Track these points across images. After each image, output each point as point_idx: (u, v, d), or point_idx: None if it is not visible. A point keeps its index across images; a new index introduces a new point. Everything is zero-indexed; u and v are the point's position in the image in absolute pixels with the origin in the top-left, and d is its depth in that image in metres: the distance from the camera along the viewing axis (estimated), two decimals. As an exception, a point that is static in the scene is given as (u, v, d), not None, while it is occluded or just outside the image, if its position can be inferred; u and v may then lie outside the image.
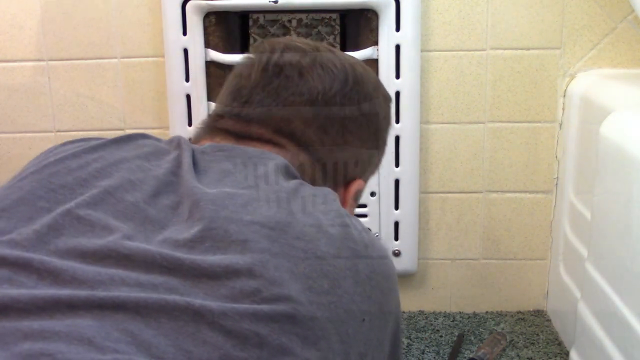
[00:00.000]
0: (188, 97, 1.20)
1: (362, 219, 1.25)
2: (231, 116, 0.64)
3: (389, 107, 0.71)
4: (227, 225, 0.50)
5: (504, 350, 1.21)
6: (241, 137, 0.63)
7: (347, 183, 0.67)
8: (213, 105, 1.21)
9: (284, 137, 0.63)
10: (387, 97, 0.71)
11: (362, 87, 0.66)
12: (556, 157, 1.26)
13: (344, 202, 0.67)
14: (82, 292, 0.44)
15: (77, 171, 0.56)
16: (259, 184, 0.56)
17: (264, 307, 0.46)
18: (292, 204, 0.55)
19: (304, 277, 0.50)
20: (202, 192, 0.54)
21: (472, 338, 1.26)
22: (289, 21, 1.24)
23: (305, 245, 0.51)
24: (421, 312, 1.36)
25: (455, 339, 1.25)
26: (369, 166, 0.70)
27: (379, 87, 0.69)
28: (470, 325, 1.30)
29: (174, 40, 1.18)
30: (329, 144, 0.64)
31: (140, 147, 0.60)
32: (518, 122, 1.25)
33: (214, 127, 0.65)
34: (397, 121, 1.20)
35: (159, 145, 0.61)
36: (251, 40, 1.25)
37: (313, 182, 0.63)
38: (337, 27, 1.24)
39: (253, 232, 0.50)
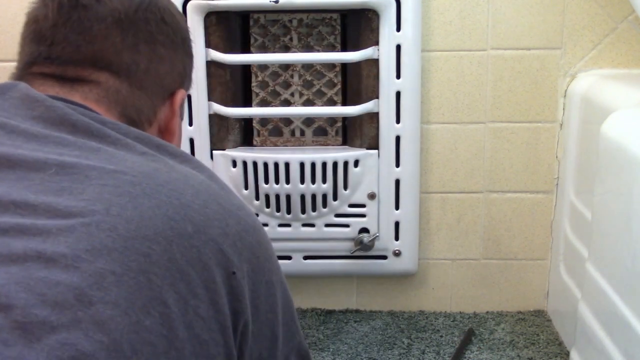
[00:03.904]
0: (189, 96, 1.20)
1: (361, 219, 1.25)
2: (42, 60, 0.62)
3: (184, 16, 0.70)
4: (89, 171, 0.50)
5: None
6: (60, 79, 0.61)
7: (171, 96, 0.66)
8: (214, 105, 1.21)
9: (100, 70, 0.61)
10: (176, 7, 0.70)
11: None
12: (557, 157, 1.26)
13: (172, 115, 0.66)
14: None
15: None
16: (125, 146, 0.54)
17: (119, 246, 0.46)
18: (159, 164, 0.54)
19: (166, 217, 0.49)
20: (65, 141, 0.52)
21: (472, 338, 1.26)
22: (290, 21, 1.24)
23: (169, 191, 0.51)
24: (421, 312, 1.36)
25: (456, 338, 1.25)
26: (186, 75, 0.69)
27: None
28: (470, 325, 1.30)
29: (175, 40, 1.18)
30: (145, 63, 0.62)
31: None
32: (518, 122, 1.25)
33: (28, 73, 0.63)
34: (398, 121, 1.21)
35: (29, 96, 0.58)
36: (252, 41, 1.25)
37: (138, 108, 0.62)
38: (338, 27, 1.24)
39: (114, 179, 0.49)
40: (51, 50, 0.61)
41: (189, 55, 0.69)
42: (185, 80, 0.69)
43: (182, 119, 0.70)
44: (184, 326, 0.48)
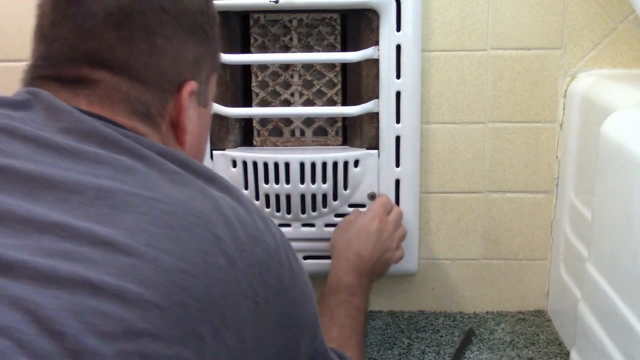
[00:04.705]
0: (189, 97, 1.20)
1: (362, 219, 1.25)
2: (42, 62, 0.61)
3: (204, 1, 0.66)
4: (126, 197, 0.50)
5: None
6: (59, 82, 0.60)
7: (178, 89, 0.63)
8: (214, 105, 1.21)
9: (96, 68, 0.59)
10: None
11: None
12: (557, 157, 1.26)
13: (181, 109, 0.63)
14: None
15: None
16: (155, 164, 0.54)
17: (163, 279, 0.46)
18: (190, 188, 0.54)
19: (200, 251, 0.50)
20: (104, 157, 0.52)
21: (472, 338, 1.26)
22: (290, 21, 1.24)
23: (203, 223, 0.51)
24: (421, 312, 1.36)
25: (456, 338, 1.25)
26: (201, 64, 0.66)
27: None
28: (470, 325, 1.30)
29: (175, 40, 1.18)
30: (144, 57, 0.60)
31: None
32: (518, 122, 1.25)
33: (34, 77, 0.62)
34: (398, 121, 1.21)
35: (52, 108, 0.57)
36: (252, 40, 1.25)
37: (145, 103, 0.60)
38: (338, 27, 1.24)
39: (151, 207, 0.50)
40: (50, 50, 0.60)
41: (205, 43, 0.66)
42: (199, 70, 0.65)
43: (204, 106, 0.67)
44: (213, 357, 0.49)
